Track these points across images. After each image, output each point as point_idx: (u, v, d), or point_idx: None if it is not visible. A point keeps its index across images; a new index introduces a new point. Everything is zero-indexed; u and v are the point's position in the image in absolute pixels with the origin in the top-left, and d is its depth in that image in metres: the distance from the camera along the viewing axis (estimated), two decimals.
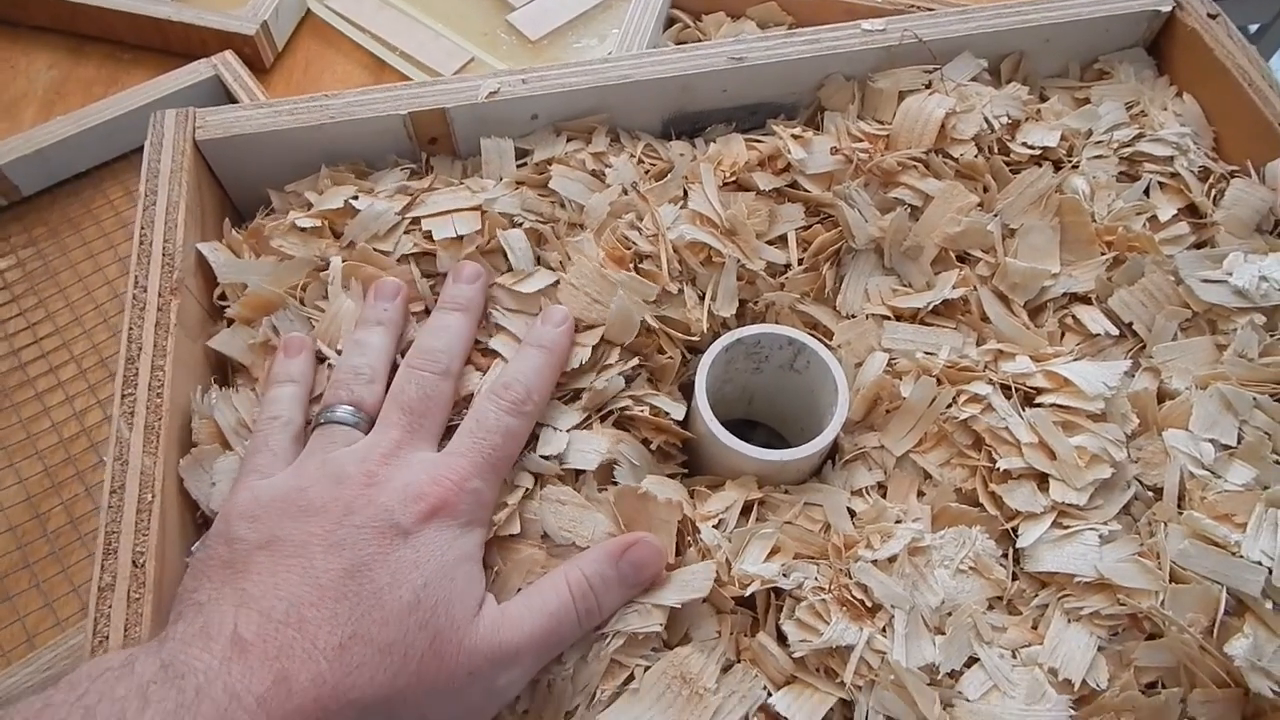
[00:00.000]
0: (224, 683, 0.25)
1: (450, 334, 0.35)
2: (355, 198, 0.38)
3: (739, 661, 0.32)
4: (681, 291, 0.38)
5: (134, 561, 0.29)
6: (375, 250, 0.37)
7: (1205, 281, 0.38)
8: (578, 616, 0.30)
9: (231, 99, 0.58)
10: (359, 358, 0.34)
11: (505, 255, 0.38)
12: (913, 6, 0.55)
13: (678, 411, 0.36)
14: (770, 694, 0.30)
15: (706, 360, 0.36)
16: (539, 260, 0.39)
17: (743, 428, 0.44)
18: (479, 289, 0.36)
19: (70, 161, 0.56)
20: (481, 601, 0.30)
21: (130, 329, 0.33)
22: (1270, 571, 0.31)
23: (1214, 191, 0.41)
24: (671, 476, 0.36)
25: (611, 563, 0.31)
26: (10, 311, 0.52)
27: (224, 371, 0.37)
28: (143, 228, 0.35)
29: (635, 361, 0.37)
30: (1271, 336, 0.37)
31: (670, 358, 0.37)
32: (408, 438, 0.32)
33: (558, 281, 0.37)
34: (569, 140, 0.42)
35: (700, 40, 0.58)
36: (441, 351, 0.34)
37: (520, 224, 0.39)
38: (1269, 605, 0.31)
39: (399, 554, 0.28)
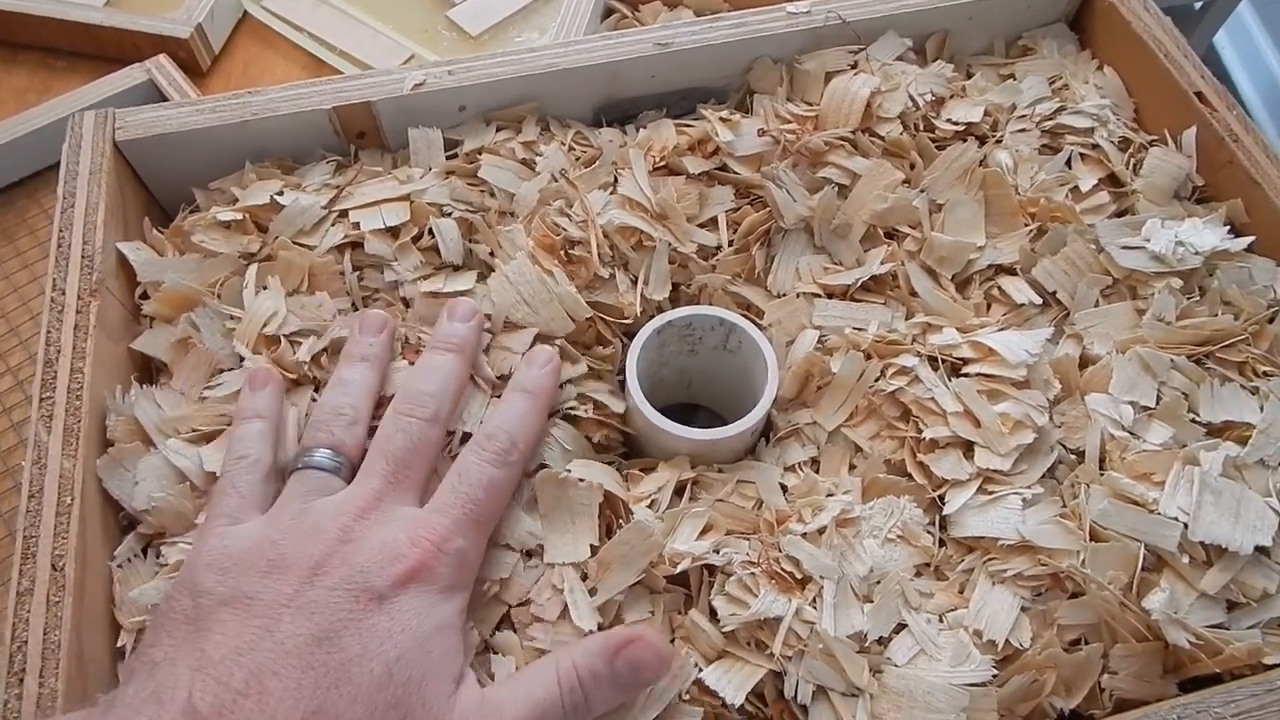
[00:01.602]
0: None
1: (441, 376, 0.33)
2: (280, 193, 0.37)
3: (673, 640, 0.32)
4: (614, 276, 0.38)
5: (53, 565, 0.28)
6: (300, 245, 0.37)
7: (1125, 249, 0.39)
8: (563, 711, 0.28)
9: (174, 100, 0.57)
10: (341, 397, 0.32)
11: (437, 249, 0.38)
12: None
13: (618, 406, 0.37)
14: (701, 670, 0.30)
15: (637, 343, 0.36)
16: (470, 251, 0.39)
17: (685, 411, 0.44)
18: (473, 328, 0.35)
19: (2, 170, 0.56)
20: (459, 677, 0.28)
21: (49, 331, 0.33)
22: (1185, 527, 0.31)
23: (1133, 161, 0.42)
24: (610, 463, 0.36)
25: (606, 658, 0.29)
26: None
27: (148, 372, 0.36)
28: (61, 230, 0.35)
29: (584, 368, 0.36)
30: (1188, 299, 0.38)
31: (610, 347, 0.38)
32: (389, 490, 0.30)
33: (482, 278, 0.37)
34: (499, 130, 0.42)
35: (639, 28, 0.59)
36: (430, 396, 0.32)
37: (450, 213, 0.39)
38: (1185, 560, 0.31)
39: (372, 621, 0.27)
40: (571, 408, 0.35)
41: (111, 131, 0.38)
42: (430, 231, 0.38)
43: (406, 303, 0.37)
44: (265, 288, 0.36)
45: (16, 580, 0.28)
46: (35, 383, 0.32)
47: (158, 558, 0.32)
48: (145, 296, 0.37)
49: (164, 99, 0.57)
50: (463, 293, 0.37)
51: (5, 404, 0.49)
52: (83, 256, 0.35)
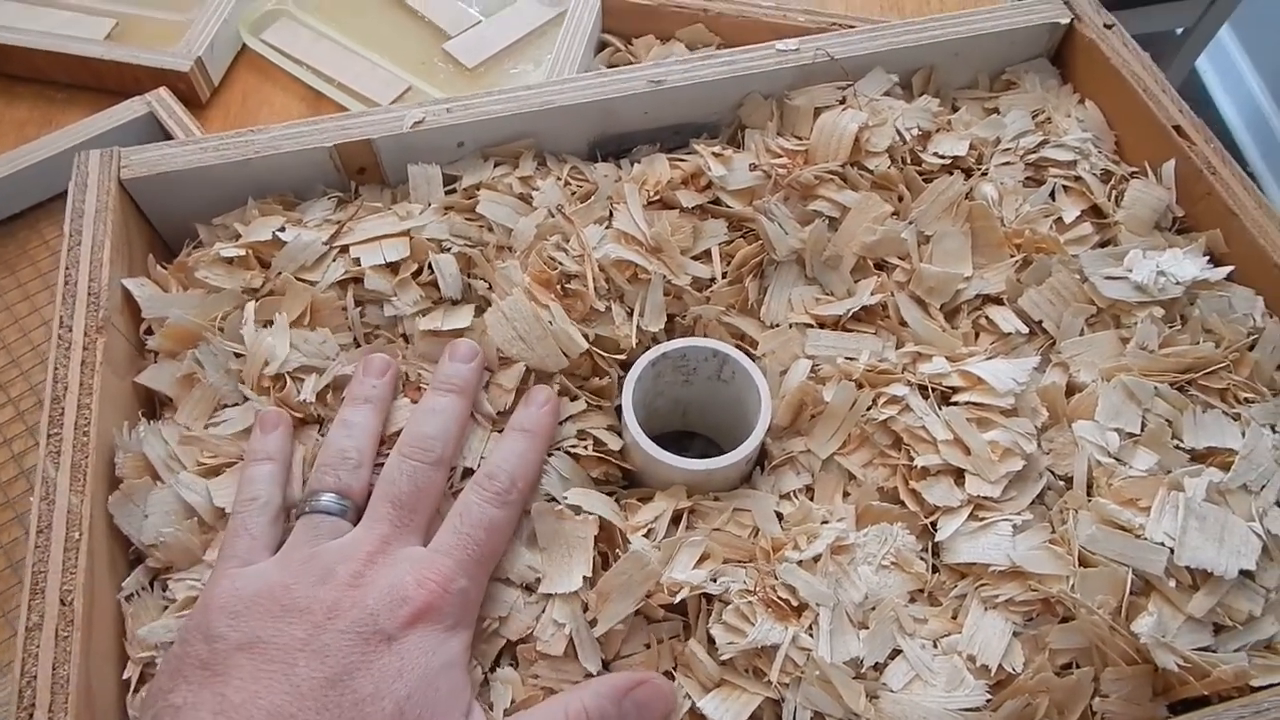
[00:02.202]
0: None
1: (444, 418, 0.34)
2: (282, 229, 0.38)
3: (675, 669, 0.32)
4: (610, 309, 0.39)
5: (62, 600, 0.29)
6: (302, 280, 0.37)
7: (1108, 278, 0.40)
8: None
9: (167, 135, 0.58)
10: (346, 440, 0.33)
11: (436, 283, 0.39)
12: (834, 25, 0.57)
13: (616, 443, 0.37)
14: (694, 702, 0.31)
15: (633, 376, 0.37)
16: (469, 286, 0.39)
17: (680, 439, 0.45)
18: (474, 369, 0.36)
19: (4, 202, 0.56)
20: (467, 712, 0.29)
21: (55, 369, 0.33)
22: (1172, 551, 0.32)
23: (1115, 192, 0.43)
24: (610, 494, 0.37)
25: (615, 699, 0.30)
26: None
27: (152, 406, 0.37)
28: (68, 267, 0.36)
29: (583, 405, 0.37)
30: (1170, 328, 0.39)
31: (607, 379, 0.38)
32: (396, 533, 0.31)
33: (480, 311, 0.38)
34: (496, 165, 0.43)
35: (631, 63, 0.60)
36: (434, 439, 0.33)
37: (449, 249, 0.39)
38: (1172, 584, 0.32)
39: (383, 662, 0.28)
40: (572, 445, 0.36)
41: (117, 170, 0.39)
42: (430, 267, 0.38)
43: (407, 338, 0.38)
44: (270, 324, 0.36)
45: (25, 616, 0.29)
46: (43, 419, 0.32)
47: (164, 591, 0.32)
48: (150, 331, 0.37)
49: (164, 131, 0.58)
50: (461, 330, 0.38)
51: (6, 434, 0.49)
52: (89, 294, 0.35)
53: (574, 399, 0.37)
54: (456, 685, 0.29)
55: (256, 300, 0.37)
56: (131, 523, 0.32)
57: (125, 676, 0.31)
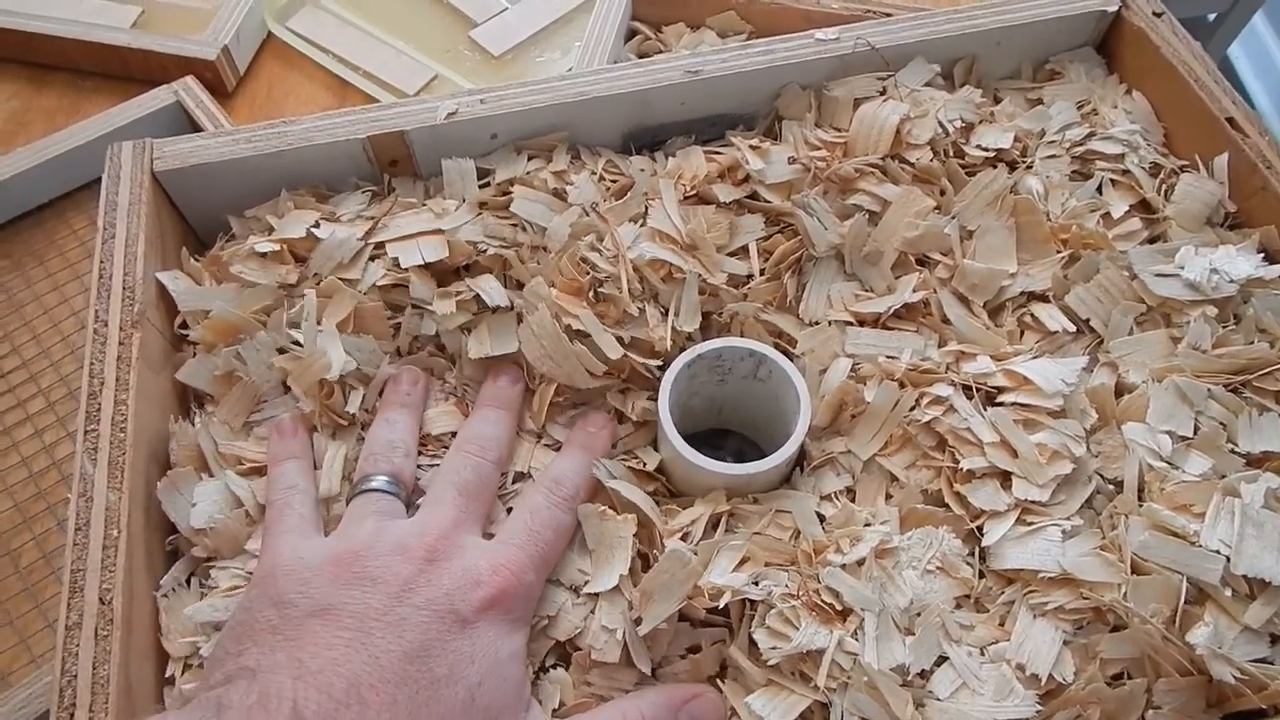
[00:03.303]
0: None
1: (499, 426, 0.35)
2: (317, 225, 0.38)
3: (721, 676, 0.32)
4: (644, 311, 0.38)
5: (101, 599, 0.29)
6: (341, 280, 0.37)
7: (1158, 276, 0.39)
8: None
9: (194, 124, 0.58)
10: (391, 433, 0.34)
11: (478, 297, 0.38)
12: (869, 13, 0.56)
13: (653, 461, 0.37)
14: (740, 707, 0.30)
15: (668, 379, 0.36)
16: (510, 301, 0.39)
17: (715, 436, 0.44)
18: (518, 392, 0.37)
19: (32, 193, 0.56)
20: (528, 705, 0.29)
21: (91, 364, 0.33)
22: (1228, 560, 0.31)
23: (1164, 187, 0.42)
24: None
25: (671, 710, 0.30)
26: None
27: (187, 402, 0.37)
28: (102, 261, 0.35)
29: (630, 430, 0.38)
30: (1224, 328, 0.38)
31: (648, 388, 0.38)
32: (463, 519, 0.31)
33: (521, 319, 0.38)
34: (530, 159, 0.42)
35: (661, 51, 0.59)
36: (491, 440, 0.34)
37: (484, 250, 0.39)
38: (1228, 593, 0.31)
39: (457, 645, 0.28)
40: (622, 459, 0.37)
41: (149, 162, 0.39)
42: (468, 267, 0.38)
43: (451, 357, 0.38)
44: (321, 329, 0.36)
45: (65, 614, 0.28)
46: (79, 415, 0.32)
47: (203, 583, 0.32)
48: (184, 325, 0.37)
49: (191, 120, 0.58)
50: (509, 355, 0.37)
51: (37, 425, 0.49)
52: (124, 288, 0.35)
53: (622, 422, 0.38)
54: (520, 678, 0.29)
55: (290, 297, 0.36)
56: (178, 510, 0.32)
57: (169, 674, 0.31)
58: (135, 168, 0.38)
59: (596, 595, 0.32)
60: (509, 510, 0.34)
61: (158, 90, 0.59)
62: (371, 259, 0.37)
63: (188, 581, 0.32)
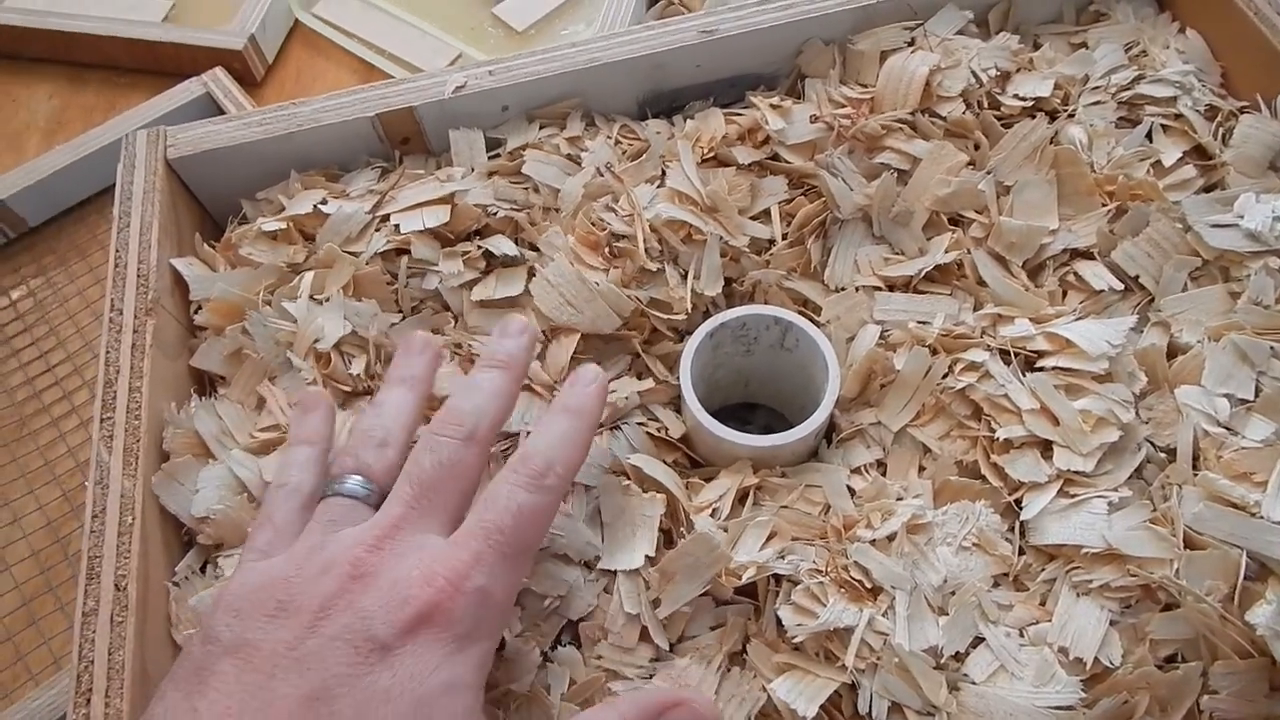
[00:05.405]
0: None
1: (483, 394, 0.30)
2: (324, 202, 0.37)
3: (745, 652, 0.31)
4: (663, 270, 0.37)
5: (116, 585, 0.29)
6: (346, 252, 0.36)
7: (1215, 226, 0.36)
8: None
9: (224, 115, 0.58)
10: (373, 419, 0.30)
11: (485, 250, 0.37)
12: None
13: (677, 428, 0.35)
14: (768, 694, 0.29)
15: (690, 348, 0.35)
16: (521, 255, 0.38)
17: (743, 409, 0.43)
18: (524, 345, 0.32)
19: (73, 189, 0.57)
20: None
21: (107, 352, 0.33)
22: None
23: (1222, 130, 0.39)
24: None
25: (650, 716, 0.27)
26: (24, 341, 0.53)
27: (203, 387, 0.37)
28: (117, 250, 0.36)
29: (650, 384, 0.35)
30: None
31: (667, 345, 0.37)
32: (412, 516, 0.27)
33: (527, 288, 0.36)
34: (542, 127, 0.41)
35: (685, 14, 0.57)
36: (469, 414, 0.29)
37: (495, 213, 0.38)
38: None
39: (370, 679, 0.24)
40: (641, 422, 0.35)
41: (163, 149, 0.39)
42: (478, 231, 0.37)
43: (456, 316, 0.37)
44: (324, 299, 0.35)
45: (81, 601, 0.29)
46: (95, 403, 0.32)
47: (215, 569, 0.32)
48: (199, 311, 0.37)
49: (221, 111, 0.58)
50: (514, 298, 0.36)
51: (83, 417, 0.50)
52: (138, 276, 0.35)
53: (641, 377, 0.35)
54: (457, 712, 0.24)
55: (298, 274, 0.36)
56: (178, 500, 0.32)
57: None
58: (149, 155, 0.38)
59: (612, 572, 0.31)
60: None
61: (188, 82, 0.59)
62: (377, 230, 0.37)
63: (202, 569, 0.32)
